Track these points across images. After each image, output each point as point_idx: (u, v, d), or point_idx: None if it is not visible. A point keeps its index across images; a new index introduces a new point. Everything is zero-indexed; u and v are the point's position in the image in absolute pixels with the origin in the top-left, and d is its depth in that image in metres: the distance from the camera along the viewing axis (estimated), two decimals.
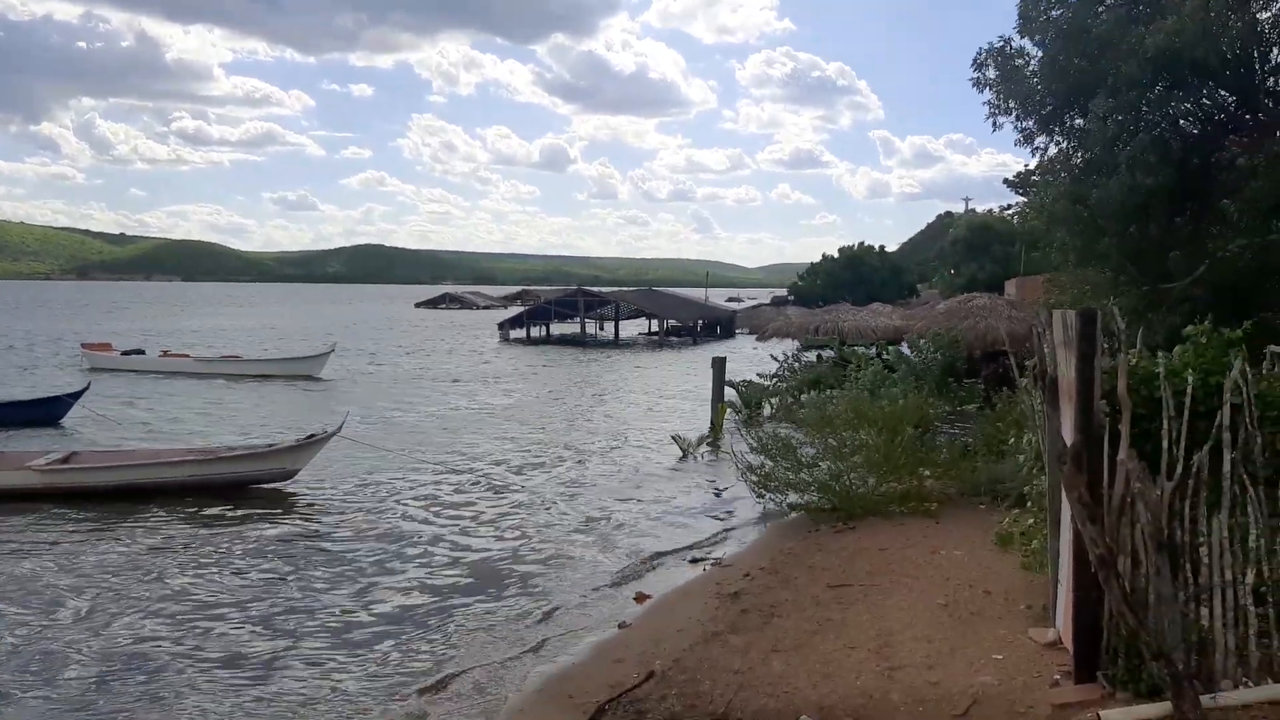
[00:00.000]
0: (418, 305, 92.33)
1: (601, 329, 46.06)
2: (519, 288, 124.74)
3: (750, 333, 45.52)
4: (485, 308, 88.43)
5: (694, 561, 8.23)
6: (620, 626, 6.57)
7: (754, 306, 62.59)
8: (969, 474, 9.50)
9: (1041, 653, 5.19)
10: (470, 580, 7.85)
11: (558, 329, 43.63)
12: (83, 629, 6.73)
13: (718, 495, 10.98)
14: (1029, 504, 7.04)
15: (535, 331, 42.84)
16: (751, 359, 29.16)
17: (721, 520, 9.81)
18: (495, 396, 21.12)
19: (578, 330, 43.39)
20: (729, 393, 15.76)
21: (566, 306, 43.85)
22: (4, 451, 12.16)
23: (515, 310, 60.87)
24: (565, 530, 9.46)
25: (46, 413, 16.58)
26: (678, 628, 6.29)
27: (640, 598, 7.22)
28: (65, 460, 11.25)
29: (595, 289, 50.46)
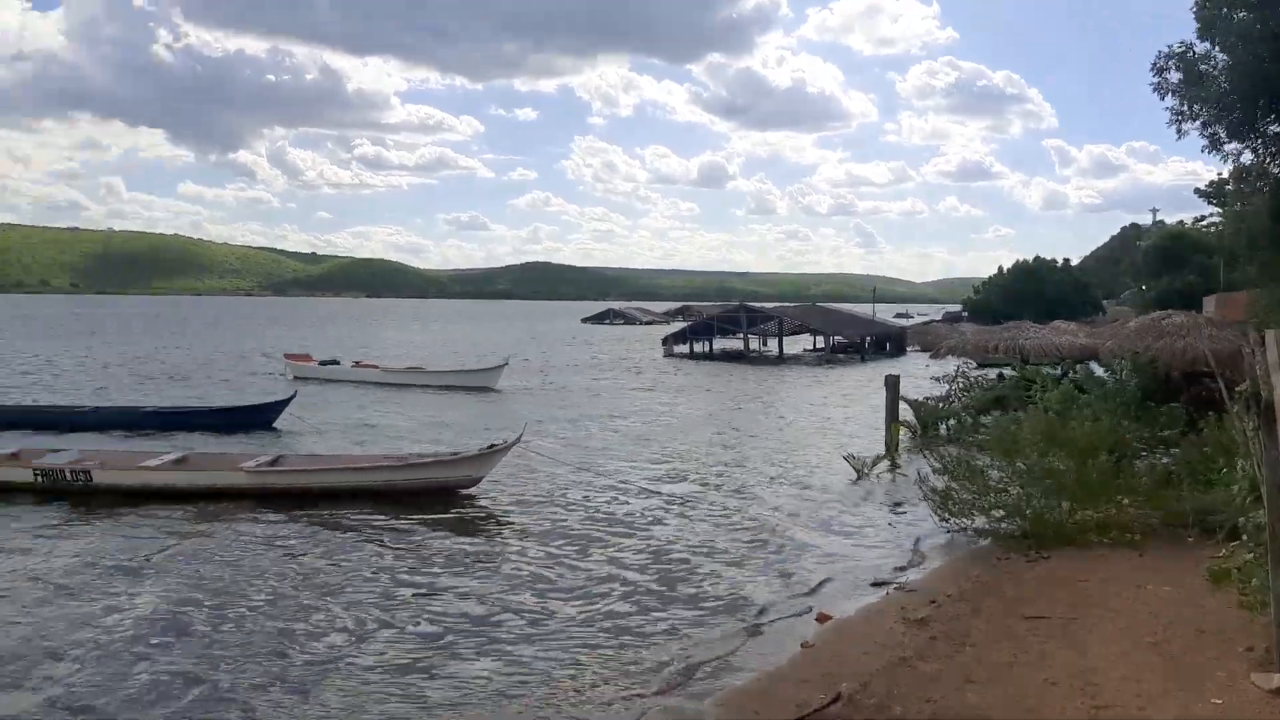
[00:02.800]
0: (584, 320, 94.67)
1: (765, 345, 45.79)
2: (680, 303, 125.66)
3: (922, 350, 44.09)
4: (648, 323, 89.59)
5: (876, 584, 8.05)
6: (803, 646, 6.52)
7: (925, 323, 60.64)
8: (1173, 503, 8.88)
9: (1267, 699, 4.80)
10: (645, 594, 7.96)
11: (720, 344, 43.69)
12: (298, 618, 7.25)
13: (896, 518, 10.71)
14: (1244, 537, 6.54)
15: (698, 347, 43.06)
16: (924, 378, 28.30)
17: (902, 544, 9.55)
18: (663, 411, 21.37)
19: (741, 346, 43.32)
20: (903, 411, 15.36)
21: (729, 322, 43.85)
22: (222, 453, 13.31)
23: (678, 325, 61.44)
24: (740, 547, 9.46)
25: (258, 418, 18.03)
26: (863, 650, 6.19)
27: (822, 618, 7.13)
28: (273, 463, 12.20)
29: (757, 304, 50.23)
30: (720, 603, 7.67)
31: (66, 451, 12.72)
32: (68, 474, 11.59)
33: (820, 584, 8.15)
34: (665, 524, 10.44)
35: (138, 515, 10.52)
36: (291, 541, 9.55)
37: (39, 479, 11.57)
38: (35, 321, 75.77)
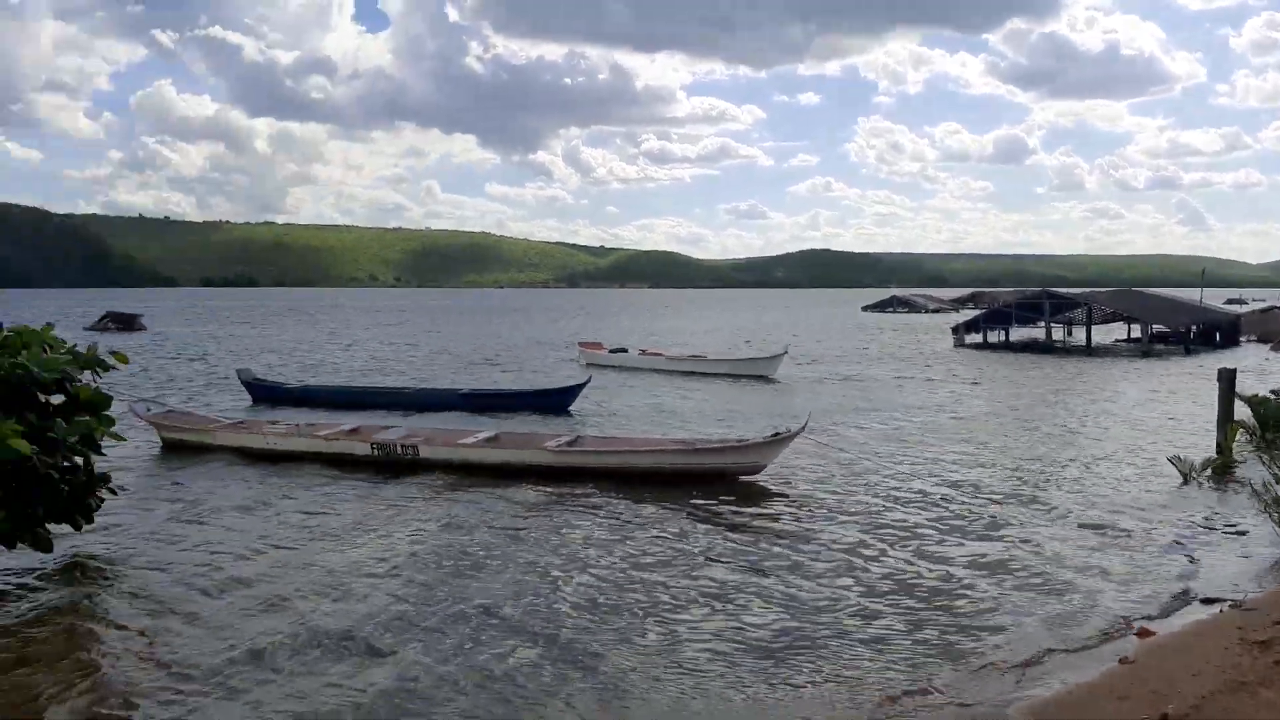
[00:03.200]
0: (864, 309, 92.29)
1: (1069, 334, 42.28)
2: (970, 290, 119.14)
3: (1260, 340, 38.84)
4: (935, 311, 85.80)
5: (1207, 601, 7.19)
6: (1121, 661, 5.97)
7: (1266, 309, 53.21)
8: None
9: None
10: (936, 591, 7.63)
11: (1018, 334, 40.85)
12: (594, 595, 7.68)
13: (1230, 529, 9.50)
14: None
15: (993, 336, 40.53)
16: (1263, 372, 24.87)
17: (1237, 558, 8.47)
18: (954, 404, 20.33)
19: (1042, 335, 40.26)
20: (1238, 410, 13.56)
21: (1028, 309, 40.84)
22: (528, 433, 14.38)
23: (968, 314, 58.26)
24: (1043, 552, 8.81)
25: (558, 401, 19.32)
26: (1191, 671, 5.56)
27: (1144, 633, 6.49)
28: (572, 443, 13.00)
29: (1061, 290, 46.35)
30: (1021, 609, 7.20)
31: (397, 428, 14.32)
32: (398, 448, 13.03)
33: (1138, 597, 7.40)
34: (958, 521, 9.95)
35: (458, 487, 11.62)
36: (591, 518, 10.12)
37: (375, 452, 13.10)
38: (369, 313, 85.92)
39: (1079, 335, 41.07)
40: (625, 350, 31.49)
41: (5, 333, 7.93)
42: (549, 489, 11.36)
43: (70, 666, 6.16)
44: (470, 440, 13.26)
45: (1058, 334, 41.04)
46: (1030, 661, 6.08)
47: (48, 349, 7.98)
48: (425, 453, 12.88)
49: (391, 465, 12.81)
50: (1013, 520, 9.95)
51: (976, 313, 50.52)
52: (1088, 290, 50.95)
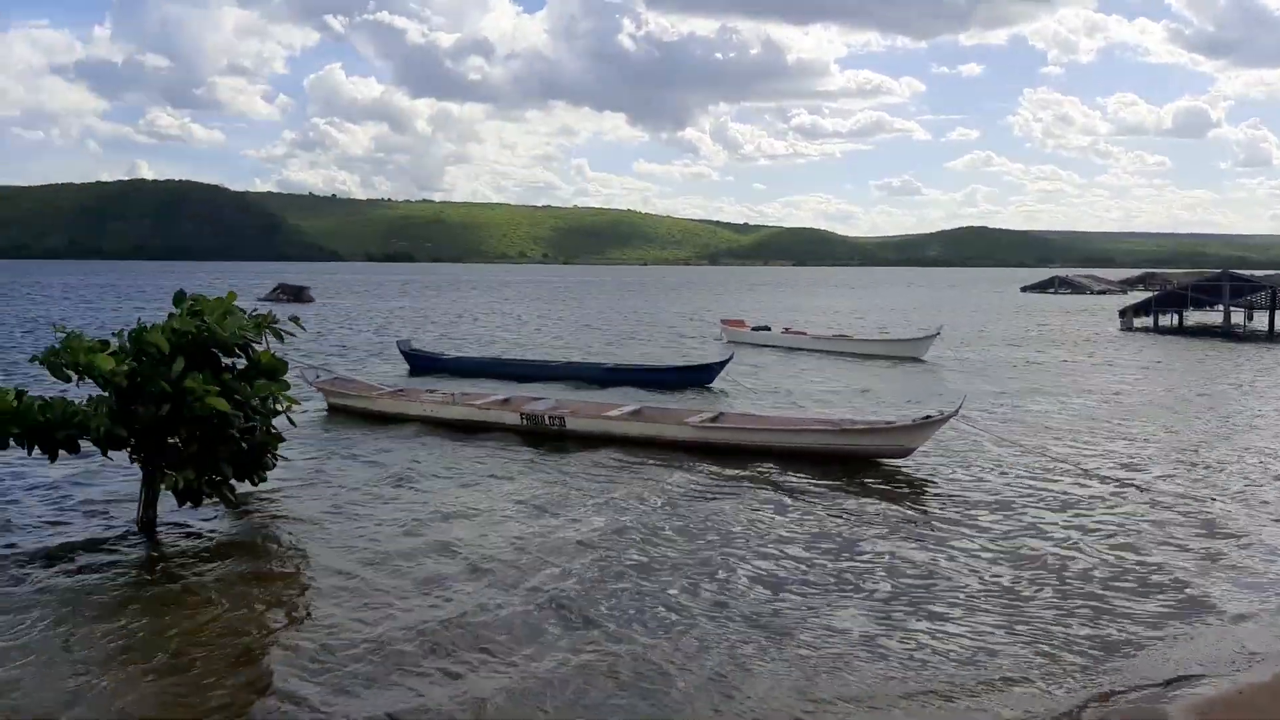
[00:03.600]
0: (1023, 289, 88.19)
1: (1250, 319, 39.14)
2: (1141, 271, 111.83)
3: None
4: (1100, 293, 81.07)
5: None
6: None
7: None
8: None
9: None
10: (1090, 584, 7.26)
11: (1193, 318, 38.10)
12: (736, 568, 7.69)
13: None
14: None
15: (1164, 320, 37.96)
16: None
17: None
18: (1122, 391, 19.18)
19: (1219, 320, 37.42)
20: None
21: (1206, 292, 37.99)
22: (670, 408, 14.49)
23: (1138, 296, 54.76)
24: (1205, 545, 8.23)
25: (700, 377, 19.38)
26: None
27: None
28: (714, 419, 13.01)
29: (1245, 272, 42.88)
30: (1179, 604, 6.78)
31: (545, 400, 14.70)
32: (546, 419, 13.39)
33: None
34: (1116, 512, 9.41)
35: (603, 456, 11.85)
36: (734, 494, 10.13)
37: (524, 421, 13.51)
38: (518, 287, 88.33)
39: (1260, 320, 37.93)
40: (768, 329, 31.20)
41: (190, 300, 8.57)
42: (694, 465, 11.42)
43: (238, 619, 6.66)
44: (615, 413, 13.48)
45: (1237, 319, 38.01)
46: (1187, 659, 5.72)
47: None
48: (571, 424, 13.18)
49: (539, 435, 13.18)
50: (1167, 510, 9.33)
51: (1147, 295, 47.37)
52: (1274, 272, 46.90)
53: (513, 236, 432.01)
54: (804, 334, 30.04)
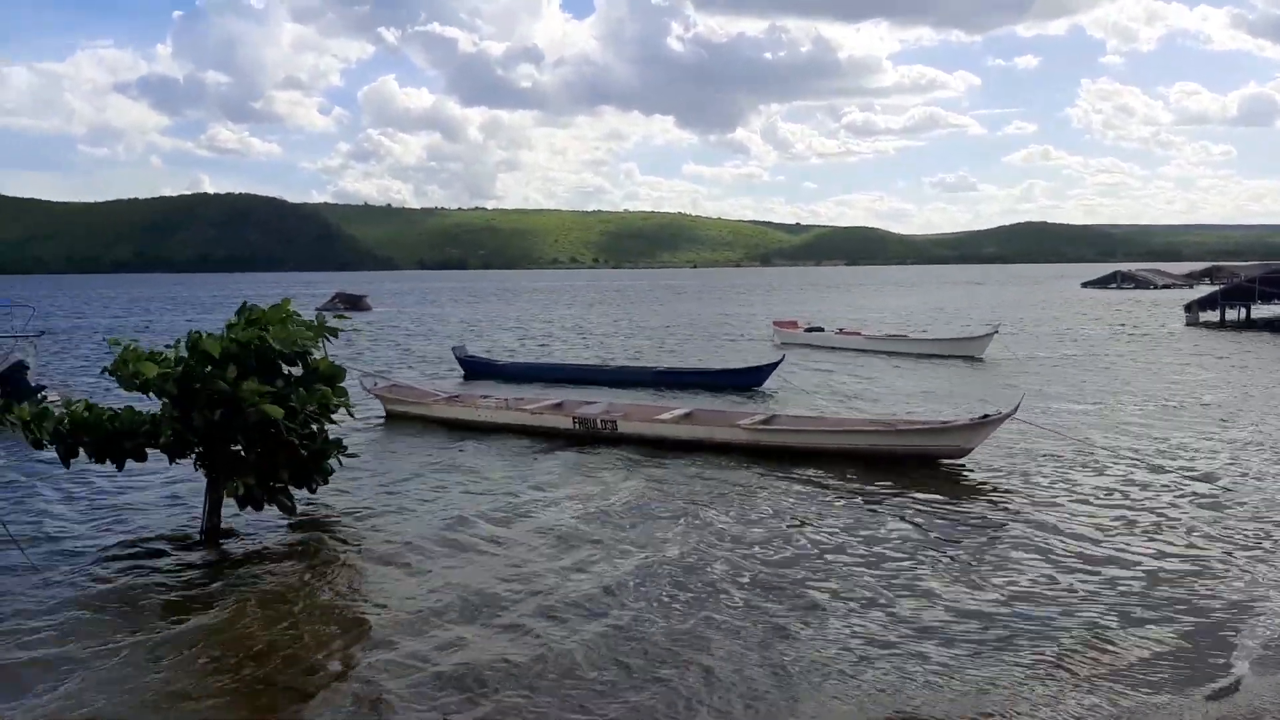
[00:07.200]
0: (1084, 285, 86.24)
1: None
2: (1207, 264, 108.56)
3: None
4: (1165, 287, 78.97)
5: None
6: None
7: None
8: None
9: None
10: (1157, 588, 7.06)
11: (1261, 311, 36.89)
12: (794, 574, 7.63)
13: None
14: None
15: (1231, 314, 36.82)
16: None
17: None
18: (1188, 389, 18.62)
19: None
20: None
21: (1274, 285, 36.72)
22: (723, 410, 14.44)
23: (1203, 290, 53.19)
24: (1270, 550, 7.96)
25: (750, 379, 19.29)
26: None
27: None
28: (767, 421, 12.93)
29: None
30: (1241, 610, 6.56)
31: (597, 404, 14.75)
32: (598, 423, 13.43)
33: None
34: (1183, 513, 9.12)
35: (656, 460, 11.85)
36: (787, 498, 10.05)
37: (576, 426, 13.56)
38: (569, 294, 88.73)
39: None
40: (821, 329, 30.93)
41: (250, 310, 8.76)
42: (748, 467, 11.36)
43: (297, 617, 6.79)
44: (666, 416, 13.48)
45: None
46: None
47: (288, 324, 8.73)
48: (624, 428, 13.21)
49: (592, 439, 13.22)
50: (1235, 513, 9.02)
51: (1214, 289, 45.99)
52: None
53: (564, 242, 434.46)
54: (858, 334, 29.70)
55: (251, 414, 8.00)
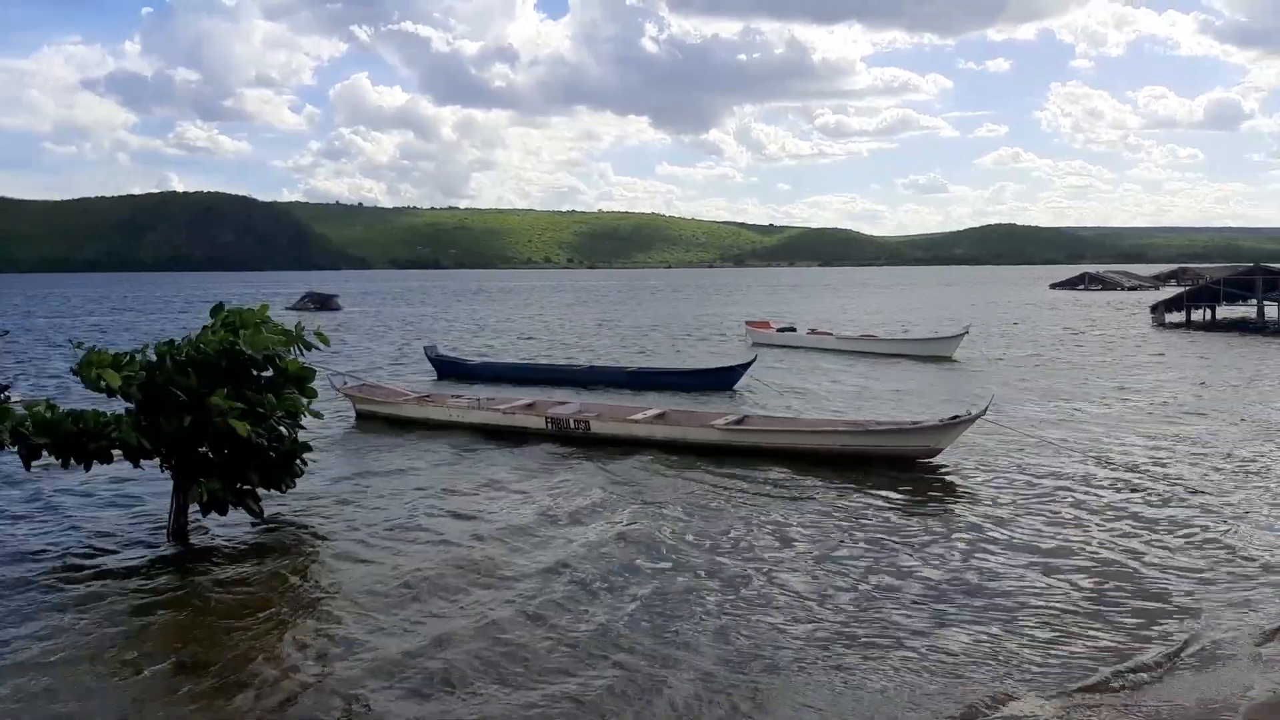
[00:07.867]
0: (1053, 286, 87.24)
1: None
2: (1173, 266, 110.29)
3: None
4: (1132, 289, 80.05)
5: None
6: None
7: None
8: None
9: None
10: (1134, 581, 7.18)
11: (1224, 313, 37.49)
12: (760, 571, 7.67)
13: None
14: None
15: (1197, 315, 37.40)
16: None
17: None
18: (1151, 389, 18.91)
19: (1254, 315, 36.76)
20: None
21: (1238, 287, 37.35)
22: (695, 411, 14.48)
23: (1169, 291, 54.04)
24: (1251, 547, 8.10)
25: (722, 380, 19.33)
26: None
27: None
28: (739, 422, 12.98)
29: (1278, 266, 42.13)
30: (1187, 614, 6.67)
31: (570, 404, 14.74)
32: (571, 423, 13.42)
33: None
34: (1149, 511, 9.28)
35: (628, 460, 11.85)
36: (758, 497, 10.10)
37: (549, 426, 13.54)
38: (543, 294, 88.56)
39: None
40: (793, 329, 31.08)
41: (225, 313, 8.68)
42: (719, 468, 11.39)
43: (269, 619, 6.74)
44: (639, 416, 13.50)
45: (1271, 313, 37.34)
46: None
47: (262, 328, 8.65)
48: (596, 428, 13.21)
49: (564, 439, 13.21)
50: (1202, 523, 9.18)
51: (1179, 290, 46.73)
52: None
53: (537, 242, 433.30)
54: (830, 334, 29.87)
55: (219, 423, 7.94)
